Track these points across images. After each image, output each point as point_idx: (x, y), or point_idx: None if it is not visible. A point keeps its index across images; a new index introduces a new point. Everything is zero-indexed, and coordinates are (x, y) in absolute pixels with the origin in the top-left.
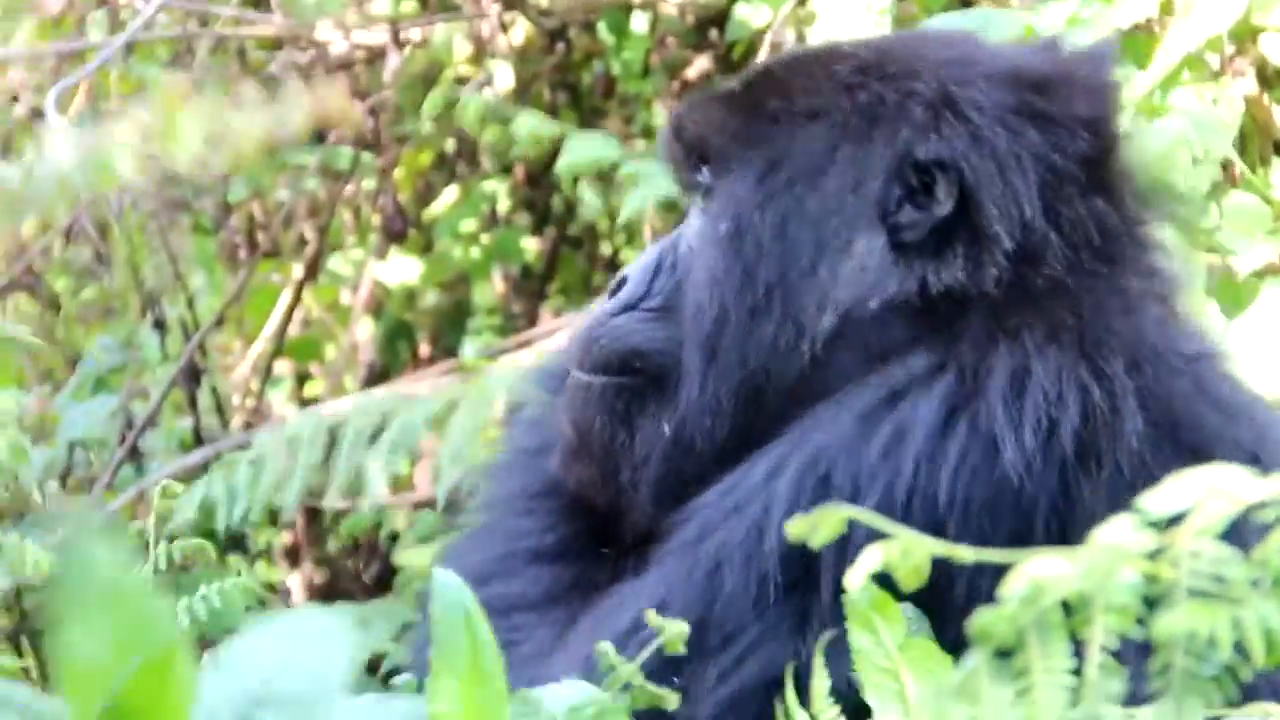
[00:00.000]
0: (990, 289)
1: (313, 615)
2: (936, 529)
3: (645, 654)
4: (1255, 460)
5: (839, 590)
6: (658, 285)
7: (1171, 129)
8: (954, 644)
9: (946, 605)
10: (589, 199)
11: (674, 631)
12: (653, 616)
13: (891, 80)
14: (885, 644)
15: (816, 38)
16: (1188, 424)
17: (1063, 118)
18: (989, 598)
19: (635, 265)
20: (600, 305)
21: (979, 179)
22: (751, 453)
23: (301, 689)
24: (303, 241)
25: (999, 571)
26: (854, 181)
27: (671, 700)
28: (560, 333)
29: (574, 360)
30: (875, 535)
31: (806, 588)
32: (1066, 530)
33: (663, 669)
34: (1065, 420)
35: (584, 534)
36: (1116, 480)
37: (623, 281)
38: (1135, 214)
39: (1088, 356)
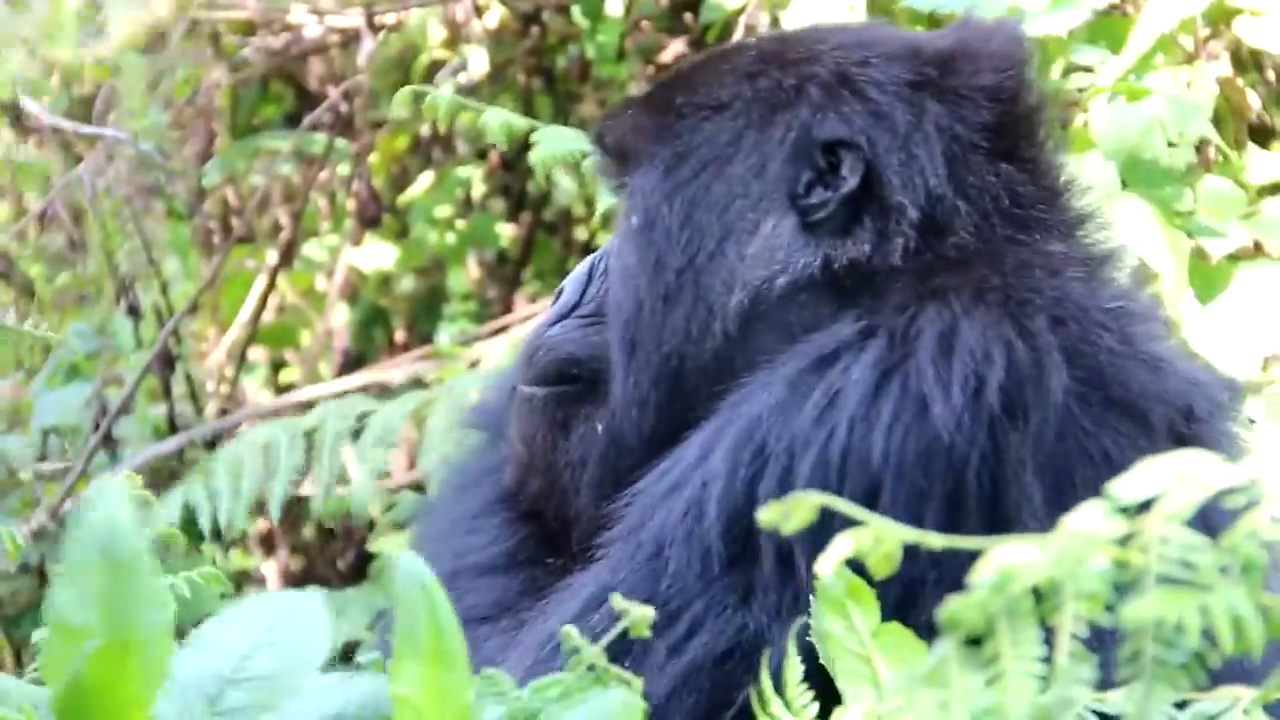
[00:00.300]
0: (898, 260)
1: (289, 597)
2: (872, 487)
3: (602, 640)
4: (1187, 412)
5: (782, 560)
6: (590, 292)
7: (1146, 112)
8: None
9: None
10: (564, 185)
11: (637, 615)
12: (614, 599)
13: (791, 66)
14: (858, 629)
15: (791, 21)
16: (1115, 379)
17: (965, 89)
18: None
19: (570, 275)
20: (541, 318)
21: (879, 153)
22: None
23: (275, 668)
24: (277, 227)
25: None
26: (758, 165)
27: (636, 683)
28: (536, 318)
29: (519, 375)
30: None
31: (749, 560)
32: (998, 483)
33: (615, 651)
34: (991, 377)
35: (532, 543)
36: (1044, 433)
37: (559, 293)
38: (1053, 182)
39: (1012, 315)
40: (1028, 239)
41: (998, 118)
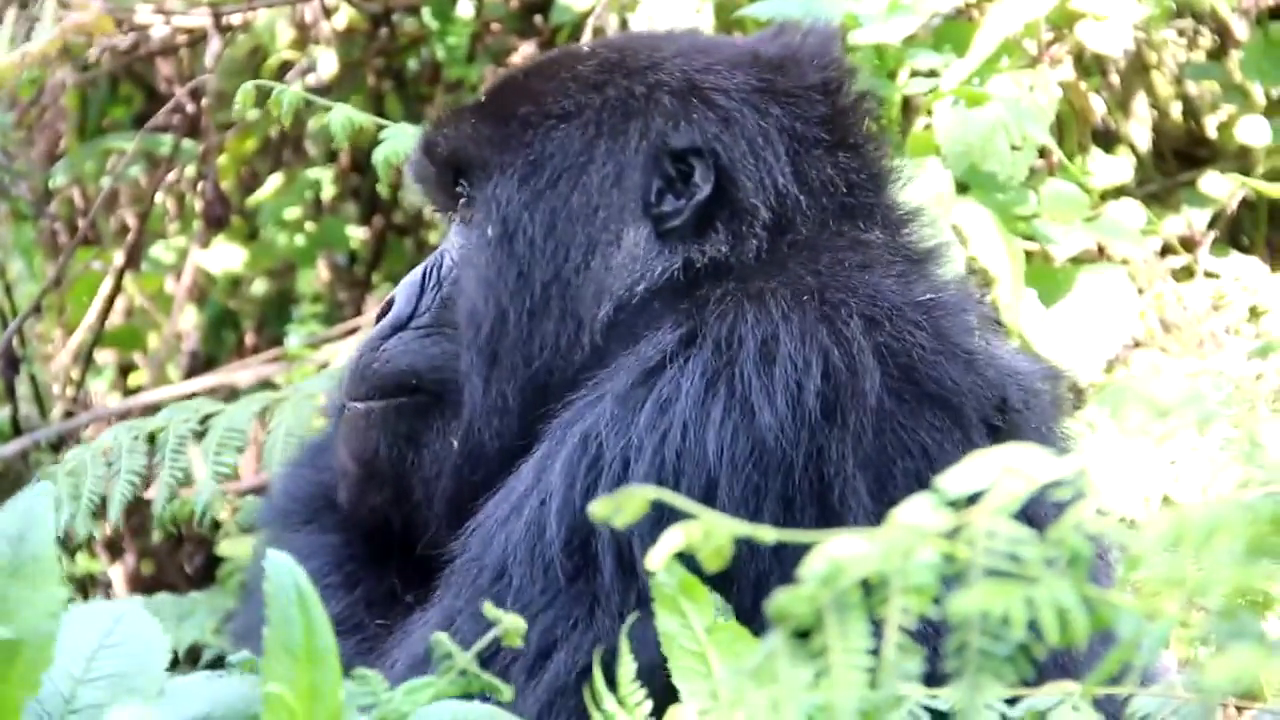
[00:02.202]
0: (750, 259)
1: (120, 605)
2: (709, 486)
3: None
4: (1000, 404)
5: (621, 564)
6: (424, 303)
7: (989, 115)
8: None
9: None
10: (415, 187)
11: (508, 625)
12: (441, 640)
13: (638, 74)
14: (693, 627)
15: (639, 23)
16: (927, 375)
17: (799, 89)
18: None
19: (399, 288)
20: (367, 333)
21: (733, 158)
22: None
23: (120, 668)
24: (124, 229)
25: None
26: (614, 175)
27: (506, 692)
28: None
29: (347, 392)
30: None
31: (591, 570)
32: (824, 480)
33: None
34: (809, 384)
35: (370, 558)
36: (862, 432)
37: (389, 305)
38: (881, 169)
39: (827, 319)
40: (852, 228)
41: (829, 111)
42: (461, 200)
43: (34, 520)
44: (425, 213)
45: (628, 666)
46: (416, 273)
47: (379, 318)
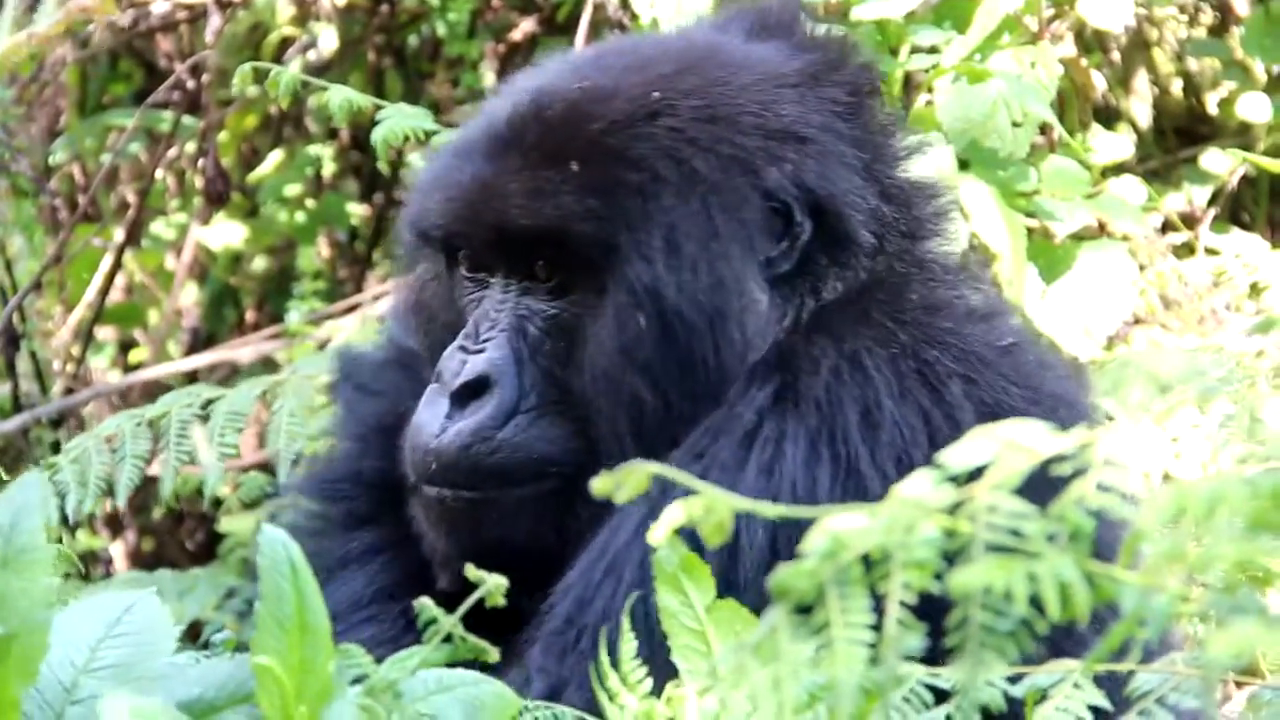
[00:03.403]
0: (855, 285)
1: (130, 593)
2: None
3: None
4: None
5: None
6: (527, 382)
7: (990, 92)
8: None
9: None
10: (415, 164)
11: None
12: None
13: (728, 121)
14: (693, 604)
15: (641, 3)
16: None
17: (854, 105)
18: None
19: (483, 363)
20: (440, 404)
21: (831, 190)
22: None
23: (125, 658)
24: (124, 205)
25: None
26: (739, 237)
27: (492, 654)
28: (387, 297)
29: (448, 480)
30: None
31: None
32: None
33: None
34: (917, 451)
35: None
36: None
37: (479, 384)
38: (917, 176)
39: (925, 381)
40: (914, 248)
41: (878, 122)
42: (542, 263)
43: (24, 511)
44: None
45: (629, 645)
46: (504, 349)
47: (460, 397)
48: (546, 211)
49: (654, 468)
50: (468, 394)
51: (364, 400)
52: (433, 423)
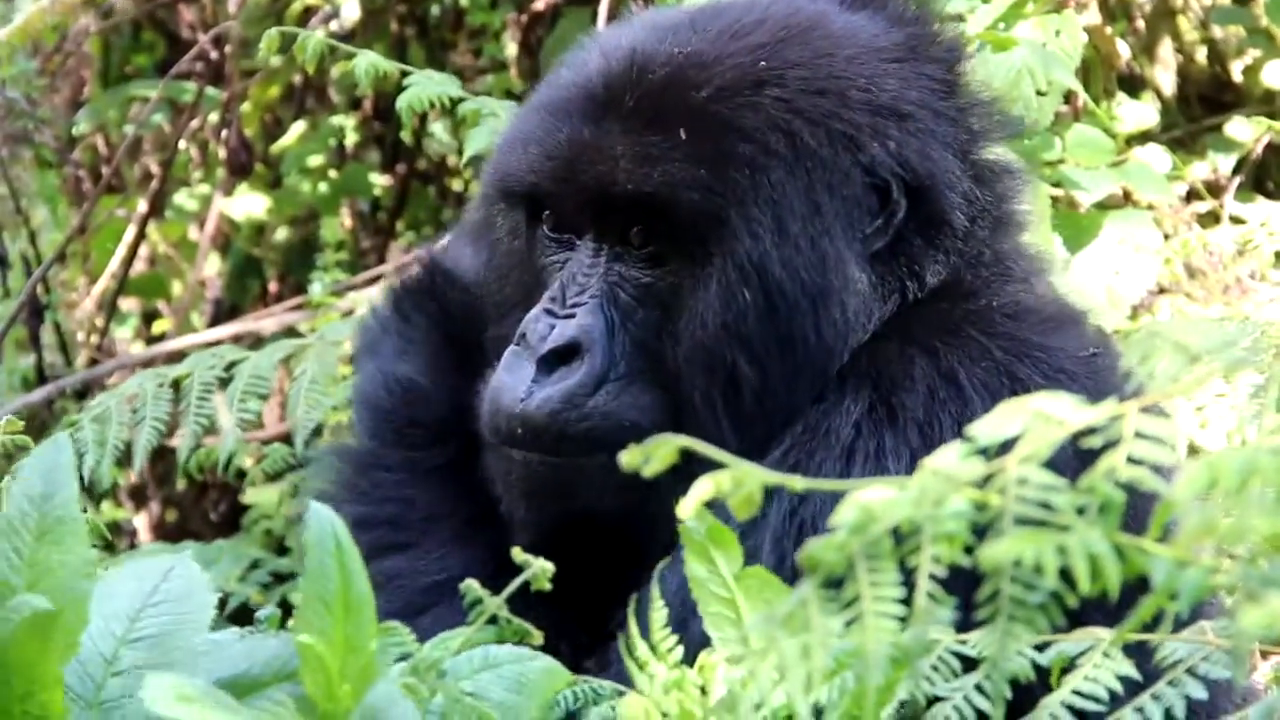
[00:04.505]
0: (946, 276)
1: (168, 559)
2: None
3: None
4: None
5: None
6: (618, 350)
7: (1015, 61)
8: None
9: None
10: (438, 134)
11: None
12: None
13: (835, 95)
14: (722, 573)
15: None
16: None
17: (950, 82)
18: None
19: (574, 329)
20: (524, 367)
21: (930, 169)
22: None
23: (164, 628)
24: (148, 176)
25: None
26: (842, 214)
27: (536, 635)
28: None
29: (534, 443)
30: None
31: None
32: None
33: None
34: None
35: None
36: None
37: (569, 350)
38: (1012, 168)
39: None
40: (1002, 241)
41: (970, 103)
42: (638, 230)
43: (58, 479)
44: (448, 159)
45: (660, 613)
46: (596, 315)
47: (547, 362)
48: (654, 178)
49: (684, 441)
50: (556, 359)
51: (426, 333)
52: (518, 386)
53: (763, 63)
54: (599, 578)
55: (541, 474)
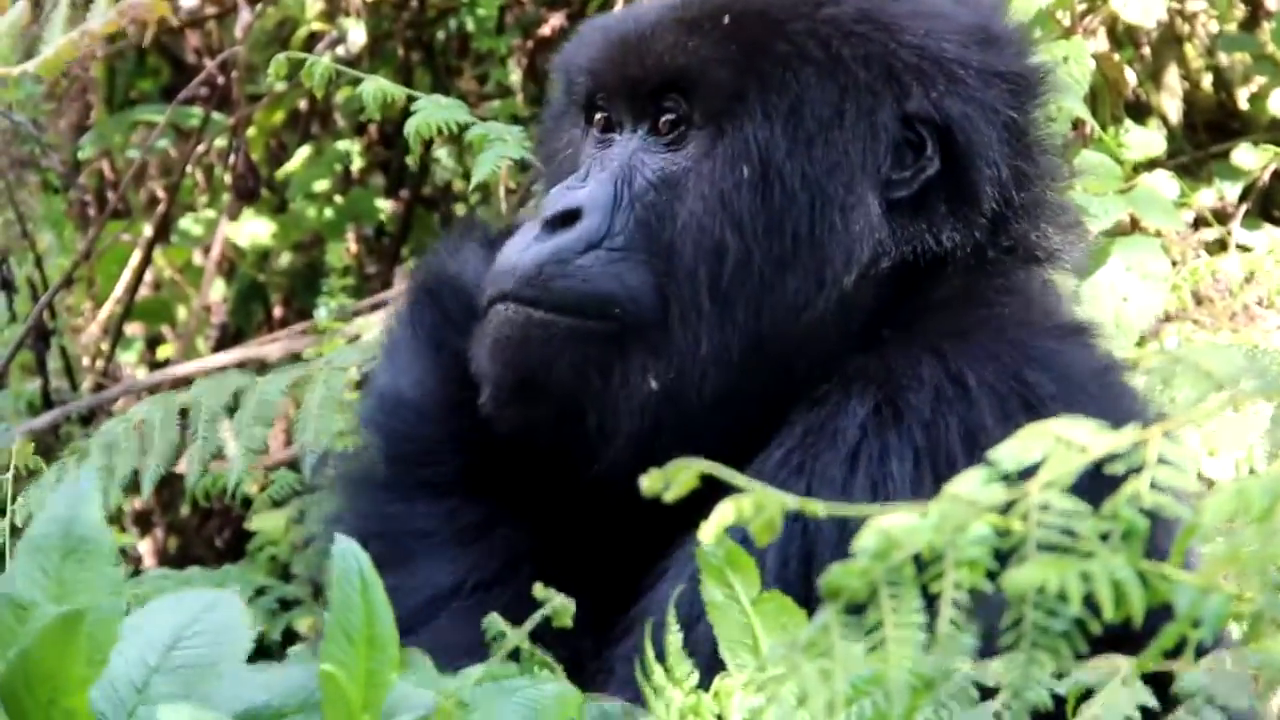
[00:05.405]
0: (969, 253)
1: (211, 594)
2: None
3: None
4: None
5: None
6: (619, 222)
7: None
8: None
9: None
10: (443, 159)
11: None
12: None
13: (891, 30)
14: (739, 598)
15: None
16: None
17: (1014, 74)
18: None
19: (582, 196)
20: (532, 233)
21: (970, 137)
22: (745, 414)
23: (199, 659)
24: (154, 201)
25: None
26: (864, 135)
27: (558, 669)
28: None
29: (516, 293)
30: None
31: None
32: None
33: None
34: None
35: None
36: None
37: (571, 214)
38: (1051, 168)
39: (1028, 406)
40: (1027, 247)
41: (1035, 101)
42: (669, 116)
43: (83, 501)
44: (453, 184)
45: (675, 638)
46: (604, 183)
47: (549, 224)
48: (689, 46)
49: (706, 466)
50: (558, 223)
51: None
52: (519, 245)
53: None
54: (598, 549)
55: (514, 324)
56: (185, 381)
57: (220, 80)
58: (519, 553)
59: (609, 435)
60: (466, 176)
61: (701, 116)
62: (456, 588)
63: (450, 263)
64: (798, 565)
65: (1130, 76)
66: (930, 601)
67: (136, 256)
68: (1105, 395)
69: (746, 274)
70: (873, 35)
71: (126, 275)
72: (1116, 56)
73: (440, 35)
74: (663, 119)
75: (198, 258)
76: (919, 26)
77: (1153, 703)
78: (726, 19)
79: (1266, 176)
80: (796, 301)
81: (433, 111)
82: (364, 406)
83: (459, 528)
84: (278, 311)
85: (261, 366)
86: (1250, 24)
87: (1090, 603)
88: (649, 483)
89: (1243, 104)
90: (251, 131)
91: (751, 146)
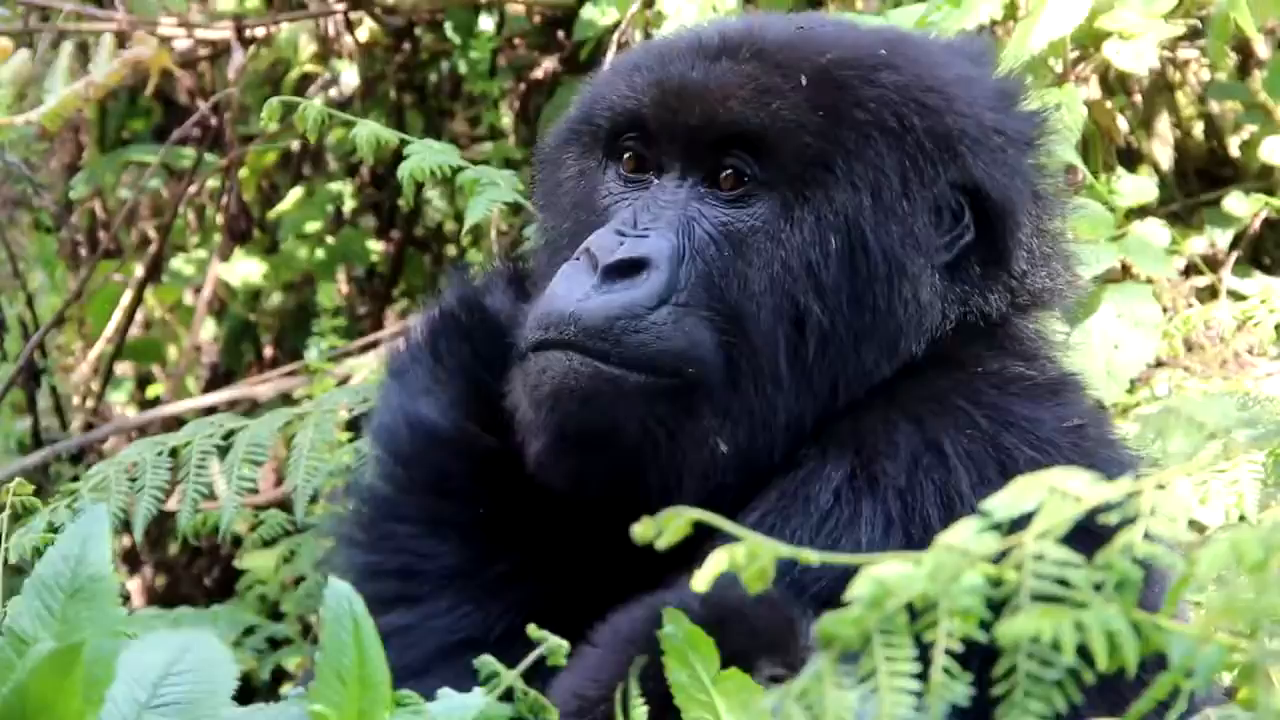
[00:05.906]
0: (995, 317)
1: (192, 634)
2: None
3: None
4: None
5: None
6: (683, 277)
7: None
8: None
9: None
10: (435, 201)
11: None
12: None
13: (946, 100)
14: (700, 678)
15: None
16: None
17: (1035, 140)
18: None
19: (647, 247)
20: (587, 280)
21: (1005, 205)
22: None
23: (187, 696)
24: (145, 241)
25: None
26: (929, 207)
27: (552, 710)
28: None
29: (583, 346)
30: None
31: None
32: None
33: None
34: None
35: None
36: None
37: (636, 264)
38: (1060, 212)
39: (1005, 472)
40: (1031, 316)
41: (1044, 159)
42: (730, 171)
43: (92, 541)
44: (445, 226)
45: (640, 713)
46: (670, 236)
47: (610, 273)
48: (771, 111)
49: (698, 515)
50: (620, 272)
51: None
52: (576, 290)
53: (882, 50)
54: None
55: (580, 375)
56: (176, 421)
57: (213, 121)
58: (548, 606)
59: (670, 492)
60: (458, 218)
61: (774, 178)
62: (474, 640)
63: (482, 296)
64: None
65: (1122, 124)
66: (923, 650)
67: (127, 296)
68: (1079, 452)
69: (828, 344)
70: (936, 105)
71: (117, 315)
72: (1109, 104)
73: (433, 78)
74: (724, 173)
75: (189, 297)
76: (966, 94)
77: None
78: (803, 80)
79: (1257, 224)
80: (870, 371)
81: (426, 156)
82: (381, 423)
83: (486, 578)
84: (268, 351)
85: (252, 406)
86: (1241, 72)
87: (1083, 652)
88: (641, 530)
89: (1234, 151)
90: (244, 172)
91: (842, 219)
